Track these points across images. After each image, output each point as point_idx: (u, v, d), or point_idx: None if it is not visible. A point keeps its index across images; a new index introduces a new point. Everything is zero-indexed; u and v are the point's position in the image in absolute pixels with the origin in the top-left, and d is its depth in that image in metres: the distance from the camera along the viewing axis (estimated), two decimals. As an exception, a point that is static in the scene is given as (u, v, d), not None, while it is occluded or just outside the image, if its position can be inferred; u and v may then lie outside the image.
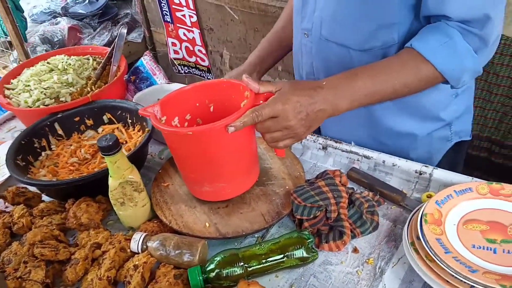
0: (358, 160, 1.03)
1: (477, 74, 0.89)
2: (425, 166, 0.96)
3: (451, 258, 0.73)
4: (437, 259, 0.73)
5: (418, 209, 0.86)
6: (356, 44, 0.95)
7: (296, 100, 0.80)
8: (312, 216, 0.86)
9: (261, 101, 0.83)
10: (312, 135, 1.09)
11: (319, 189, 0.89)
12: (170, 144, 0.89)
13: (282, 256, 0.80)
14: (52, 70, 1.35)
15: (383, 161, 0.99)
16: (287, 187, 0.95)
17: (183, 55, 2.53)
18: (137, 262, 0.81)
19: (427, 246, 0.75)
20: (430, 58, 0.83)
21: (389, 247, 0.84)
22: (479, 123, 1.55)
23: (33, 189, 1.02)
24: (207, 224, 0.87)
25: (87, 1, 2.82)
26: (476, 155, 1.54)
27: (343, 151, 1.05)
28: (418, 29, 0.88)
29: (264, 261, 0.79)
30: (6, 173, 1.13)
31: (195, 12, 2.31)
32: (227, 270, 0.78)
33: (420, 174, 0.96)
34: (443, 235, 0.79)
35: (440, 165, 1.08)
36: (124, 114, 1.16)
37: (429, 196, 0.92)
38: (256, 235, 0.90)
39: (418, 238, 0.78)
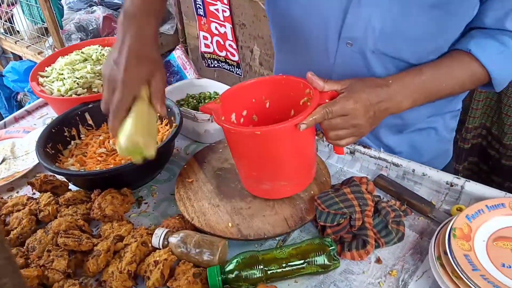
0: (386, 167, 1.01)
1: None
2: (457, 177, 0.93)
3: (479, 276, 0.70)
4: (464, 276, 0.71)
5: (447, 222, 0.83)
6: (416, 58, 0.90)
7: (366, 98, 0.80)
8: (335, 223, 0.84)
9: (327, 100, 0.82)
10: (340, 138, 1.07)
11: (344, 196, 0.87)
12: (232, 142, 0.87)
13: (302, 261, 0.78)
14: (86, 60, 1.37)
15: (413, 170, 0.97)
16: (312, 192, 0.93)
17: (213, 49, 2.53)
18: (157, 258, 0.81)
19: (454, 262, 0.73)
20: (487, 65, 0.86)
21: (414, 260, 0.82)
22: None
23: (60, 177, 1.03)
24: (229, 225, 0.87)
25: (122, -9, 2.85)
26: (510, 166, 1.48)
27: (371, 156, 1.02)
28: None
29: (284, 265, 0.78)
30: (36, 160, 1.16)
31: (228, 7, 2.31)
32: (246, 272, 0.77)
33: (451, 185, 0.93)
34: (472, 251, 0.76)
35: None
36: (152, 107, 1.17)
37: (459, 209, 0.89)
38: (277, 238, 0.89)
39: (445, 252, 0.76)
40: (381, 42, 0.88)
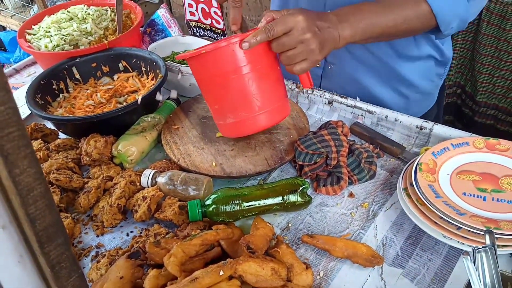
0: (361, 115, 1.06)
1: (463, 24, 0.94)
2: (426, 121, 0.99)
3: (441, 202, 0.77)
4: (428, 202, 0.77)
5: (414, 160, 0.89)
6: None
7: (306, 13, 0.81)
8: (313, 162, 0.90)
9: None
10: (318, 89, 1.12)
11: (322, 137, 0.92)
12: (195, 75, 0.91)
13: (277, 199, 0.83)
14: (71, 18, 1.39)
15: (386, 116, 1.02)
16: (291, 136, 0.99)
17: (199, 16, 2.54)
18: (146, 194, 0.86)
19: (419, 191, 0.79)
20: None
21: (384, 194, 0.89)
22: (486, 90, 1.56)
23: (50, 126, 1.07)
24: (213, 164, 0.92)
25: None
26: (483, 123, 1.56)
27: (348, 106, 1.08)
28: None
29: (259, 201, 0.83)
30: (25, 113, 1.19)
31: (213, -27, 2.32)
32: (224, 206, 0.81)
33: (421, 129, 0.99)
34: (436, 182, 0.83)
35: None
36: (138, 62, 1.20)
37: (427, 150, 0.95)
38: (258, 178, 0.94)
39: (411, 184, 0.82)
40: None
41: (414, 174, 0.83)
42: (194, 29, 2.60)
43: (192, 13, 2.54)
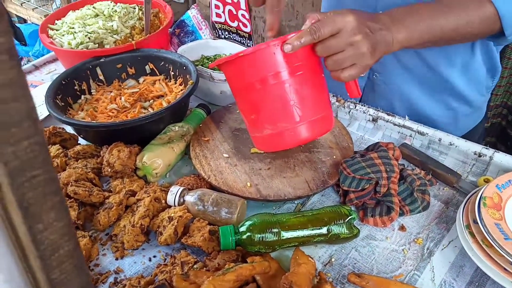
0: (410, 136, 0.96)
1: None
2: (486, 148, 0.89)
3: (511, 245, 0.67)
4: (496, 244, 0.67)
5: (475, 192, 0.79)
6: None
7: (356, 14, 0.72)
8: (360, 188, 0.80)
9: None
10: (362, 105, 1.03)
11: (371, 161, 0.83)
12: (230, 83, 0.81)
13: (320, 229, 0.74)
14: (97, 15, 1.31)
15: (439, 139, 0.92)
16: (334, 157, 0.89)
17: (225, 18, 2.46)
18: (172, 215, 0.77)
19: (485, 230, 0.69)
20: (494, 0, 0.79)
21: (440, 229, 0.78)
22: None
23: (70, 130, 0.99)
24: (248, 184, 0.83)
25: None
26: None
27: (395, 124, 0.98)
28: None
29: (300, 232, 0.74)
30: (43, 114, 1.11)
31: (242, -25, 2.24)
32: (260, 235, 0.72)
33: (480, 156, 0.88)
34: (503, 220, 0.72)
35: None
36: (167, 65, 1.12)
37: (486, 181, 0.85)
38: (296, 202, 0.85)
39: (474, 221, 0.72)
40: None
41: (478, 209, 0.73)
42: (220, 31, 2.52)
43: (218, 15, 2.46)
